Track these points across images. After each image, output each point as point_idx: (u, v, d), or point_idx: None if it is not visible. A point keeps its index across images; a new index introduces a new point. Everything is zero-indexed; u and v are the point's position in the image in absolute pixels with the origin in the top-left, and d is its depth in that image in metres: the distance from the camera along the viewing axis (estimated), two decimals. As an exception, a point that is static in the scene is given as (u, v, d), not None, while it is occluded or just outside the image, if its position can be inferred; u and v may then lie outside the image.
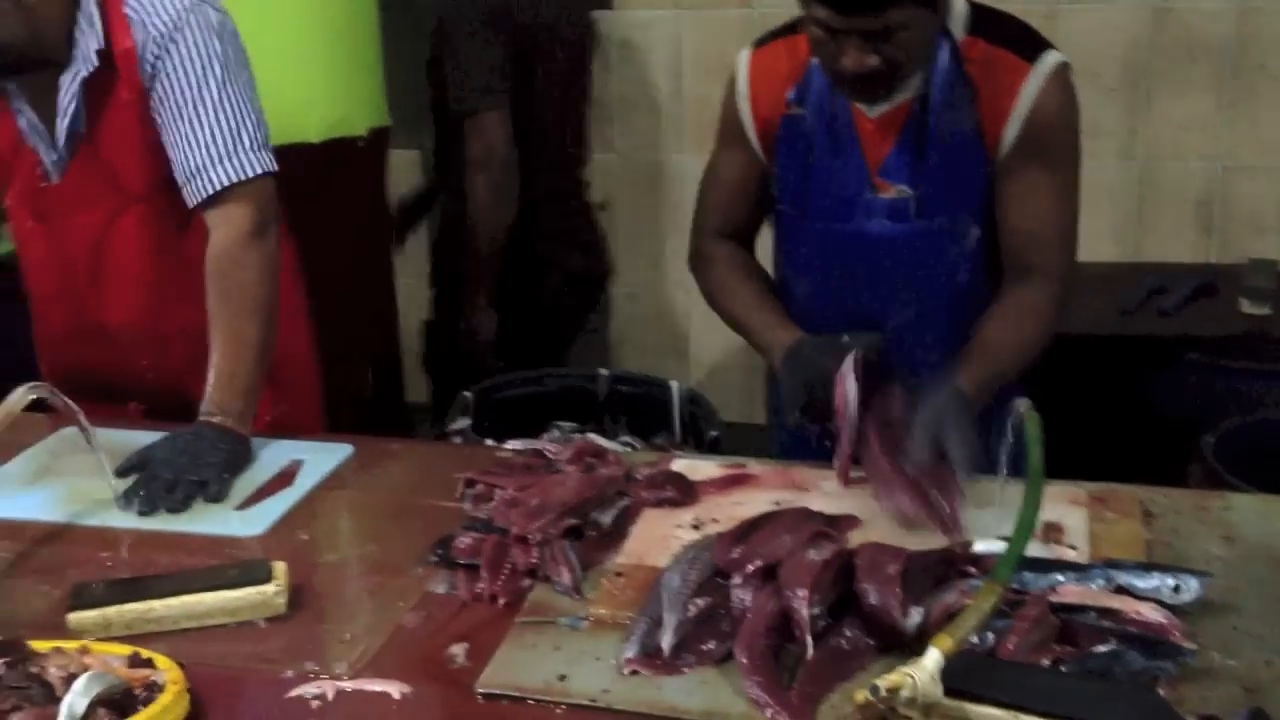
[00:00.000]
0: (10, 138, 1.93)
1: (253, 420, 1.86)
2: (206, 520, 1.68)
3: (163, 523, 1.67)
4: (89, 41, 1.83)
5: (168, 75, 1.85)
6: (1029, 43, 1.79)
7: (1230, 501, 1.67)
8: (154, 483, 1.70)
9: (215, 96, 1.86)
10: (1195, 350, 2.83)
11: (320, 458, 1.85)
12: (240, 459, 1.80)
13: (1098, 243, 3.28)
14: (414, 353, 3.58)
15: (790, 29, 1.87)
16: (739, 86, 1.90)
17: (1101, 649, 1.27)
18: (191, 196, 1.89)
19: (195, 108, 1.86)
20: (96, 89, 1.87)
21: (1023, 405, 1.43)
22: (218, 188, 1.87)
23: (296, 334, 2.14)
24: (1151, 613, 1.32)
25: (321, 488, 1.78)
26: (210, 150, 1.86)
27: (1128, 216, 3.35)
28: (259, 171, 1.89)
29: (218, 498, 1.71)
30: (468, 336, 3.05)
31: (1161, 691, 1.24)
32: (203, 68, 1.85)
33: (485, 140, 2.87)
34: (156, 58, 1.85)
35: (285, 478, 1.80)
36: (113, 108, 1.88)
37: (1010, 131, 1.77)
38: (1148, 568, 1.40)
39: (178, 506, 1.68)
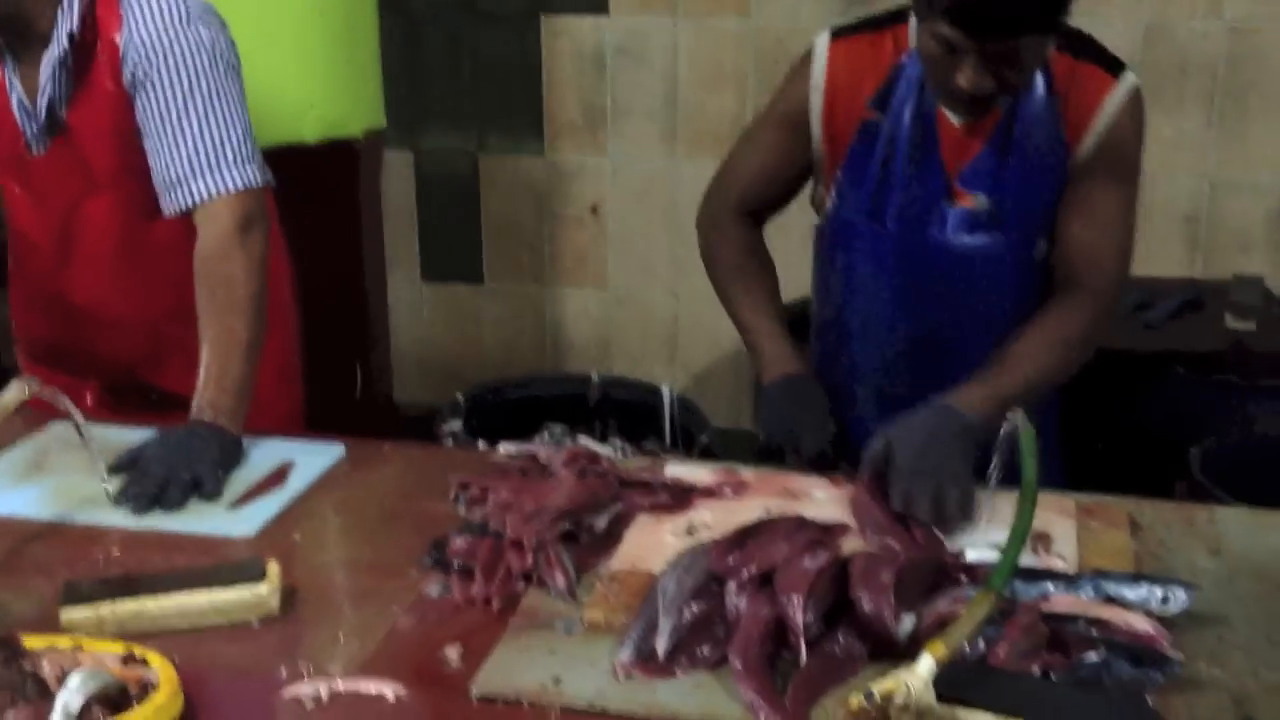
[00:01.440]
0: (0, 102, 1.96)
1: (244, 419, 1.86)
2: (199, 519, 1.68)
3: (155, 521, 1.67)
4: (64, 24, 1.86)
5: (154, 87, 1.88)
6: (1112, 59, 1.80)
7: (1217, 515, 1.69)
8: (148, 480, 1.70)
9: (200, 112, 1.89)
10: (1180, 365, 2.85)
11: (312, 458, 1.85)
12: (233, 458, 1.80)
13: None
14: (404, 353, 3.59)
15: (875, 25, 1.84)
16: (814, 76, 1.84)
17: (1091, 658, 1.28)
18: (169, 205, 1.92)
19: (180, 121, 1.88)
20: (78, 73, 1.89)
21: (1017, 418, 1.44)
22: (197, 201, 1.90)
23: (283, 335, 2.15)
24: (1140, 623, 1.34)
25: (314, 488, 1.78)
26: (192, 163, 1.89)
27: (1115, 230, 3.38)
28: (240, 186, 1.91)
29: (212, 496, 1.71)
30: None
31: (1149, 701, 1.25)
32: (189, 84, 1.88)
33: None
34: (137, 65, 1.87)
35: (277, 478, 1.80)
36: (91, 94, 1.91)
37: (1088, 143, 1.78)
38: (1136, 578, 1.41)
39: (173, 505, 1.68)
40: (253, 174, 1.93)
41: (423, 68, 3.61)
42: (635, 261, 3.64)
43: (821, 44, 1.85)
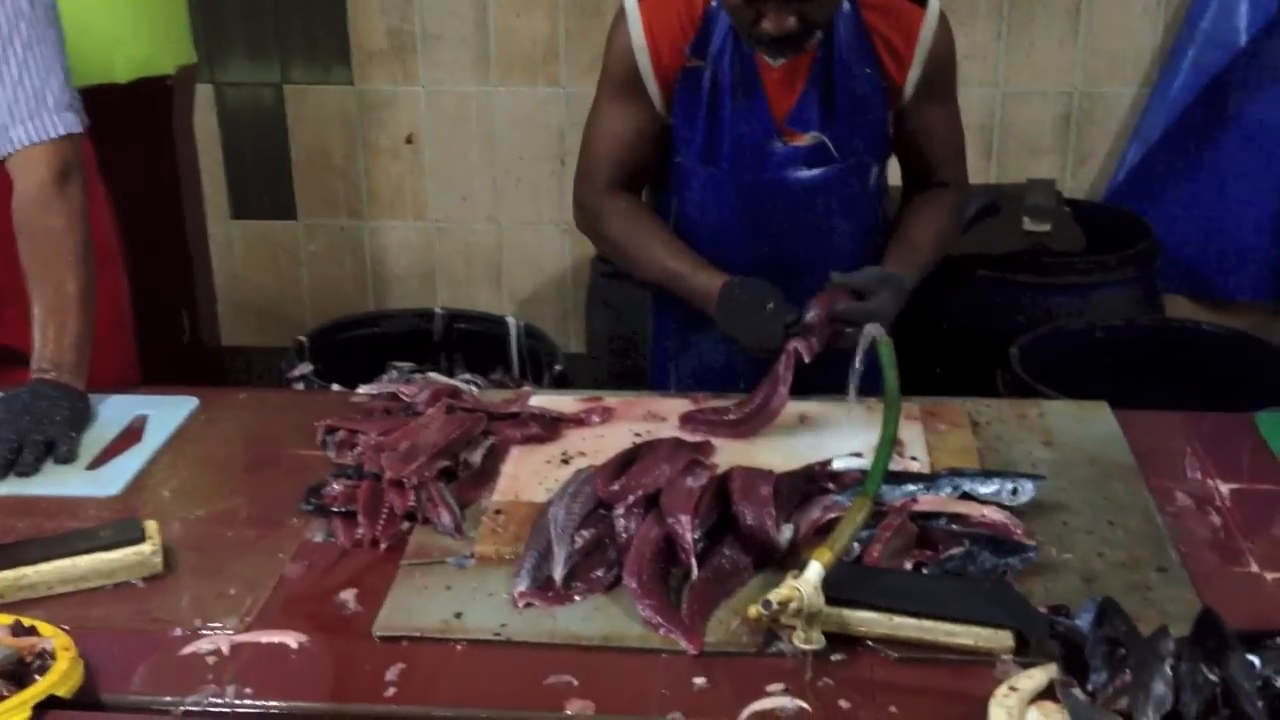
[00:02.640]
0: None
1: (87, 374, 1.81)
2: (58, 482, 1.63)
3: (12, 487, 1.61)
4: None
5: None
6: None
7: (1044, 408, 1.82)
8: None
9: (20, 57, 1.82)
10: (984, 267, 3.00)
11: (166, 411, 1.82)
12: (83, 416, 1.75)
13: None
14: (218, 294, 3.50)
15: None
16: (634, 38, 1.86)
17: (955, 551, 1.38)
18: None
19: None
20: None
21: (875, 331, 1.52)
22: (17, 147, 1.83)
23: (111, 282, 2.08)
24: (995, 515, 1.45)
25: (173, 442, 1.75)
26: (12, 111, 1.82)
27: (916, 140, 3.52)
28: (61, 133, 1.86)
29: (68, 458, 1.66)
30: None
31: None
32: (8, 28, 1.81)
33: None
34: None
35: (132, 434, 1.76)
36: None
37: (914, 75, 1.89)
38: (988, 475, 1.52)
39: (28, 470, 1.63)
40: (72, 121, 1.87)
41: (219, -2, 3.47)
42: (454, 190, 3.61)
43: (631, 6, 1.87)
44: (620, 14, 1.89)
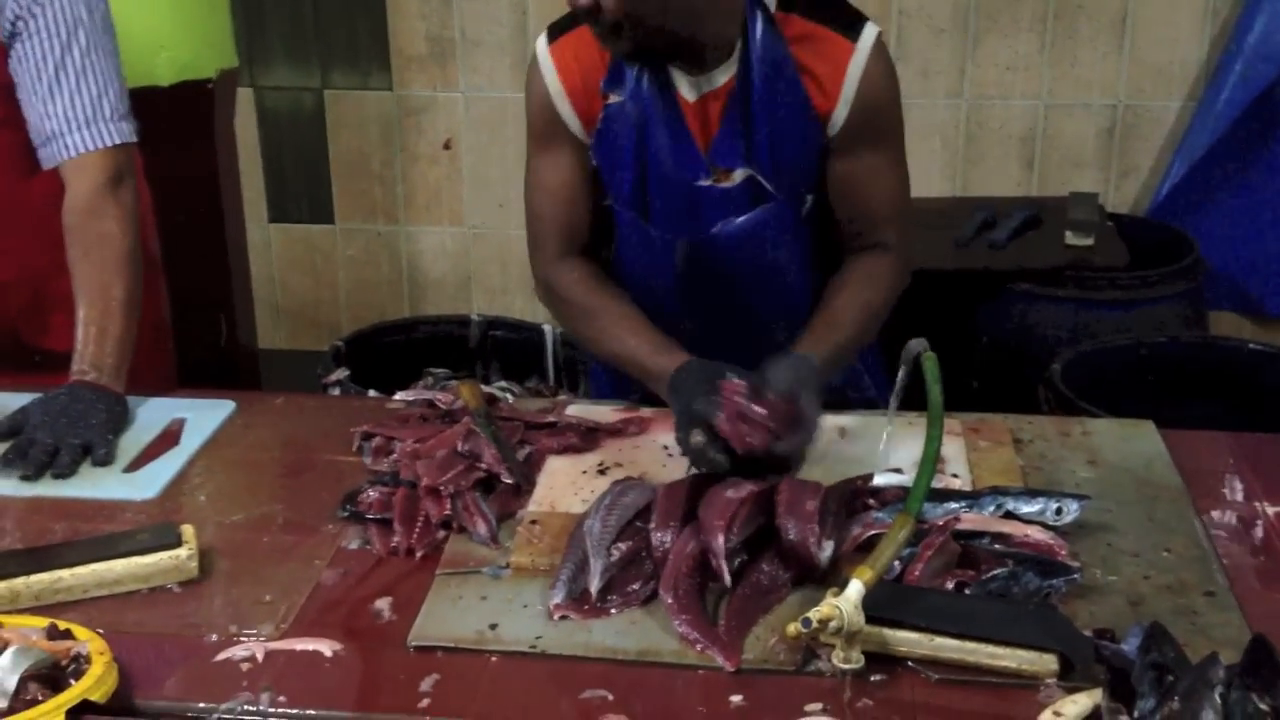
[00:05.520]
0: None
1: (125, 377, 1.81)
2: (95, 485, 1.63)
3: (49, 489, 1.61)
4: None
5: (30, 38, 1.82)
6: (846, 18, 1.73)
7: (1089, 426, 1.79)
8: (34, 448, 1.64)
9: (78, 65, 1.84)
10: (1026, 281, 2.98)
11: (203, 415, 1.81)
12: (121, 419, 1.75)
13: (929, 179, 3.42)
14: (264, 300, 3.51)
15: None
16: (549, 85, 1.75)
17: (999, 571, 1.36)
18: (47, 159, 1.87)
19: (57, 73, 1.83)
20: None
21: (919, 345, 1.50)
22: (74, 154, 1.85)
23: (153, 289, 2.09)
24: (1040, 535, 1.42)
25: (210, 446, 1.74)
26: (69, 117, 1.84)
27: (956, 153, 3.50)
28: (118, 142, 1.88)
29: (105, 461, 1.66)
30: None
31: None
32: (67, 35, 1.83)
33: None
34: (18, 18, 1.81)
35: (170, 437, 1.76)
36: None
37: (841, 112, 1.72)
38: (1032, 494, 1.50)
39: (64, 472, 1.63)
40: (128, 131, 1.89)
41: (260, 2, 3.48)
42: (491, 196, 3.61)
43: (542, 50, 1.77)
44: (534, 61, 1.77)
